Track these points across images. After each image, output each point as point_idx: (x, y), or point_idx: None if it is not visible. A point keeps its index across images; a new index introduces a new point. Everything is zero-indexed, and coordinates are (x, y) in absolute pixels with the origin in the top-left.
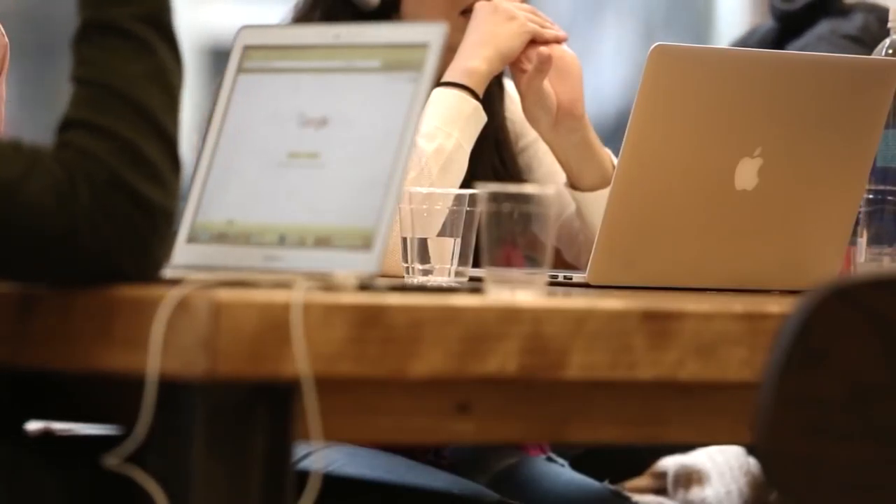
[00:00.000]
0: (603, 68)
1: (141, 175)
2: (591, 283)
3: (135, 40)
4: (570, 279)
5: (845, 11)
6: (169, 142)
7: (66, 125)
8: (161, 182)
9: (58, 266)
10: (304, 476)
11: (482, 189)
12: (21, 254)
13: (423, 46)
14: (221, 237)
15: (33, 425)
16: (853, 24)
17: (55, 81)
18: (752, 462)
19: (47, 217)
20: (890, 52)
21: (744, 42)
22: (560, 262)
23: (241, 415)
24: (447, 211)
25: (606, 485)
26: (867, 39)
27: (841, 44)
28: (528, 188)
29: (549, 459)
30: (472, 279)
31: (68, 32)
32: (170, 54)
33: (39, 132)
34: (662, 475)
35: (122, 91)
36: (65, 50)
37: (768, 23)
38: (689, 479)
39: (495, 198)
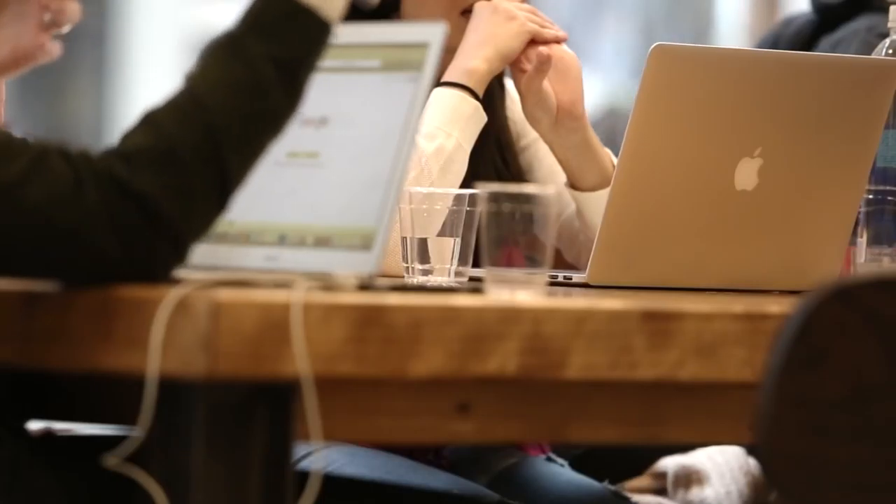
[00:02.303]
0: (603, 68)
1: (168, 190)
2: (591, 283)
3: (255, 78)
4: (570, 279)
5: (886, 8)
6: (223, 178)
7: (146, 117)
8: (190, 206)
9: (59, 265)
10: (304, 476)
11: (482, 189)
12: (22, 251)
13: (423, 46)
14: (221, 237)
15: (34, 425)
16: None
17: (55, 82)
18: (752, 462)
19: (49, 216)
20: (890, 52)
21: (779, 34)
22: (560, 262)
23: (241, 415)
24: (447, 211)
25: (606, 485)
26: None
27: (874, 42)
28: (528, 188)
29: (549, 459)
30: (472, 279)
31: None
32: (281, 104)
33: (39, 132)
34: (662, 475)
35: (208, 113)
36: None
37: (806, 14)
38: (688, 479)
39: (495, 198)
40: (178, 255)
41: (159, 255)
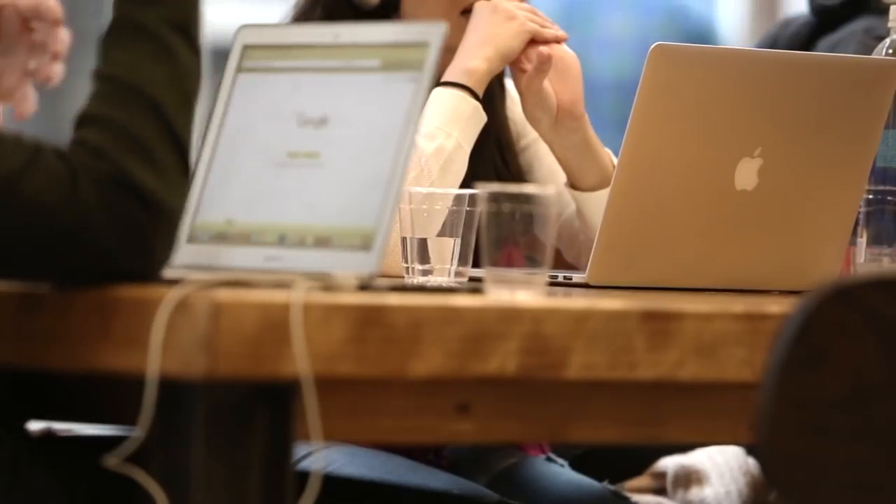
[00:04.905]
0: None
1: (148, 172)
2: (591, 283)
3: (160, 43)
4: (570, 279)
5: (883, 10)
6: (180, 144)
7: (83, 120)
8: (169, 181)
9: (59, 264)
10: (304, 476)
11: (482, 189)
12: (22, 251)
13: (423, 46)
14: (221, 237)
15: (34, 425)
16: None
17: None
18: (752, 462)
19: (47, 213)
20: (890, 52)
21: (776, 35)
22: (560, 263)
23: (241, 415)
24: (447, 211)
25: (606, 485)
26: None
27: (871, 44)
28: (528, 188)
29: (549, 459)
30: (472, 279)
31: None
32: (191, 61)
33: (39, 131)
34: (662, 475)
35: (141, 90)
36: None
37: (804, 16)
38: (688, 479)
39: (495, 198)
40: (173, 234)
41: (160, 239)
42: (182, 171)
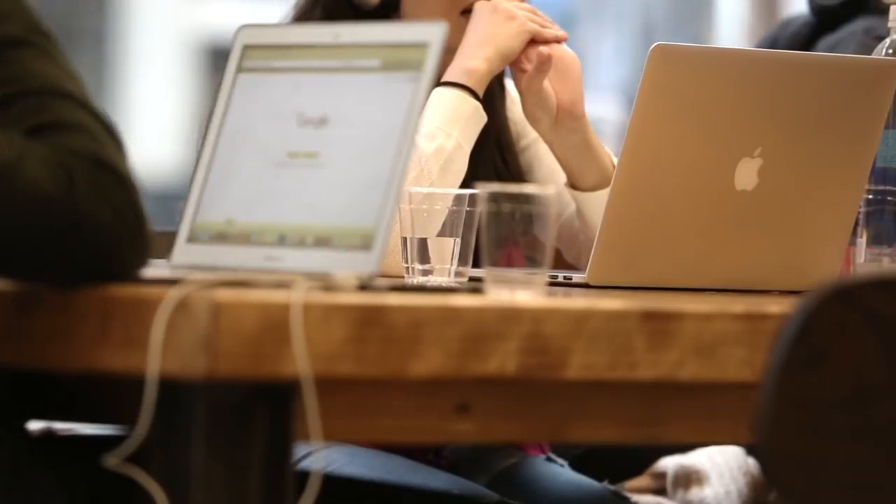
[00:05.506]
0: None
1: (110, 152)
2: (591, 283)
3: (35, 46)
4: (570, 279)
5: (883, 10)
6: (98, 116)
7: (28, 135)
8: (122, 155)
9: (61, 260)
10: (304, 476)
11: (482, 189)
12: (23, 247)
13: (422, 46)
14: (221, 237)
15: (34, 425)
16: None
17: None
18: (752, 462)
19: (46, 206)
20: (890, 52)
21: (776, 35)
22: (560, 263)
23: (241, 415)
24: (447, 211)
25: (606, 485)
26: None
27: (871, 44)
28: (528, 188)
29: (549, 459)
30: (472, 279)
31: (67, 30)
32: (61, 52)
33: None
34: (662, 475)
35: (50, 88)
36: (65, 50)
37: (804, 16)
38: (688, 479)
39: (495, 198)
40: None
41: (145, 215)
42: (116, 141)
